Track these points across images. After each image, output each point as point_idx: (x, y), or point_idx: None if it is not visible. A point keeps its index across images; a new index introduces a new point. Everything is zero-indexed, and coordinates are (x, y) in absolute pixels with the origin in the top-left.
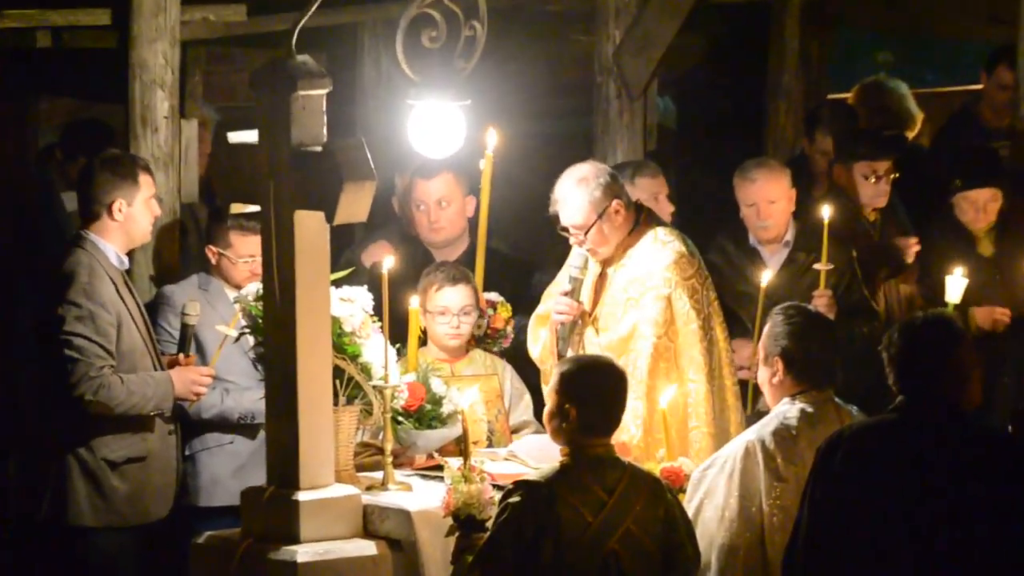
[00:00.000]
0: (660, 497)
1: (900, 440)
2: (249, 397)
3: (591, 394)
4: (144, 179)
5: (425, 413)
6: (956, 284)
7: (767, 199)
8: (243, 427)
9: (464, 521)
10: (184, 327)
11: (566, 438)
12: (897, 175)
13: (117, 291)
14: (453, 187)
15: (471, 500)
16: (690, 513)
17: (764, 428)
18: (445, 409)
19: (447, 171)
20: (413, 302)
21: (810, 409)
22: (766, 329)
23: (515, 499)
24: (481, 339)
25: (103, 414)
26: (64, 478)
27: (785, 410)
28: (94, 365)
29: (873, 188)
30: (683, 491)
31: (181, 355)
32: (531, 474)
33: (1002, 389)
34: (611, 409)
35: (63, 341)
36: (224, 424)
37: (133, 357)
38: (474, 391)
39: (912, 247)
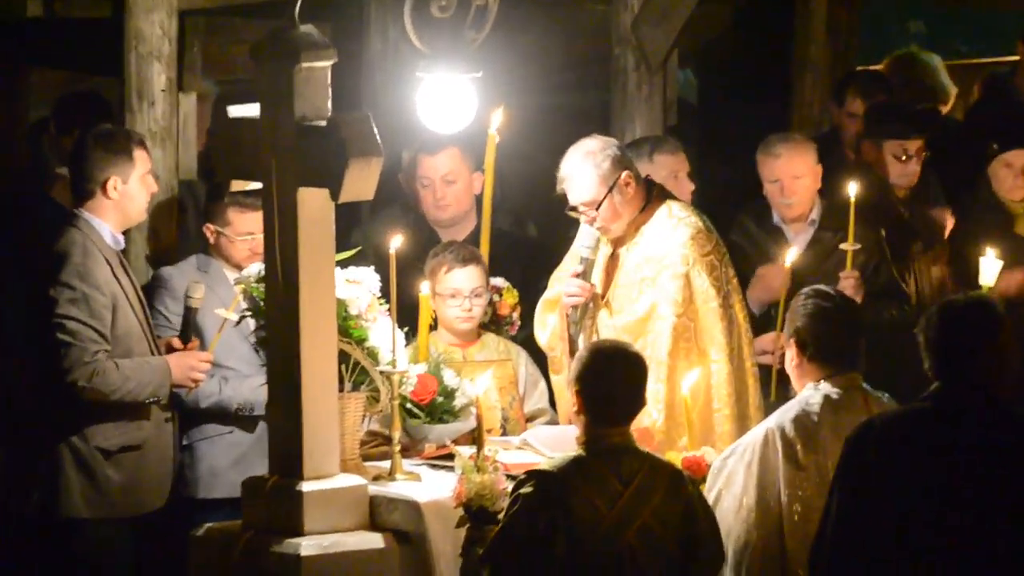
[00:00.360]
0: (680, 490)
1: (934, 429)
2: (248, 386)
3: (605, 382)
4: (139, 155)
5: (437, 406)
6: (990, 266)
7: (792, 175)
8: (241, 419)
9: (476, 512)
10: (187, 311)
11: (581, 427)
12: (928, 154)
13: (112, 272)
14: (459, 163)
15: (483, 491)
16: (710, 502)
17: (785, 415)
18: (458, 402)
19: (452, 146)
20: (424, 288)
21: (834, 395)
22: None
23: (527, 490)
24: (486, 326)
25: (97, 401)
26: (56, 468)
27: (808, 396)
28: (88, 350)
29: (902, 167)
30: (704, 481)
31: (178, 339)
32: (544, 464)
33: None
34: (627, 397)
35: (55, 325)
36: (222, 415)
37: (129, 341)
38: (487, 377)
39: (949, 220)
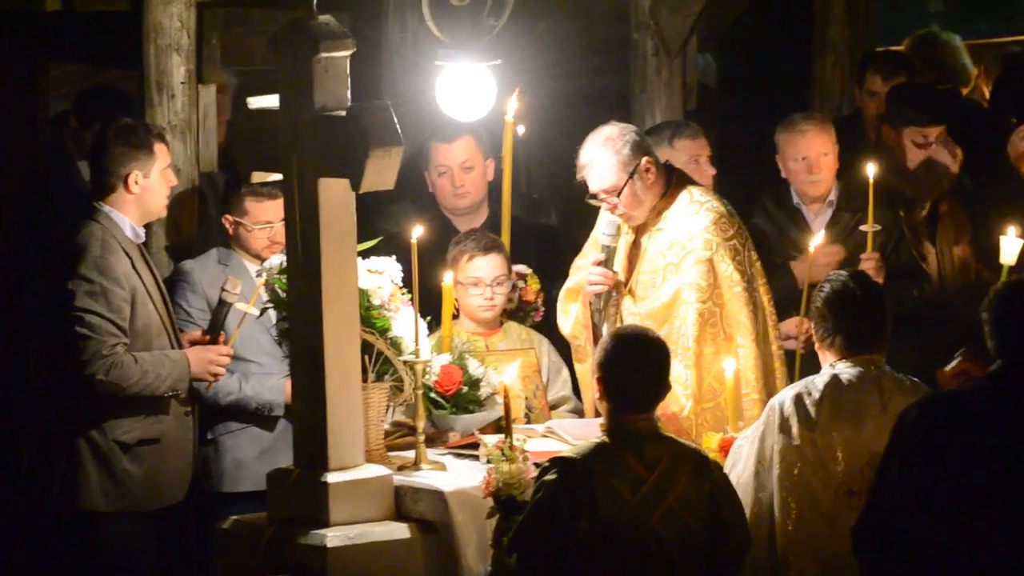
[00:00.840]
0: (706, 474)
1: (997, 405)
2: (268, 386)
3: (627, 368)
4: (159, 148)
5: (462, 396)
6: (1012, 245)
7: (820, 151)
8: (260, 418)
9: (504, 502)
10: (221, 304)
11: (605, 413)
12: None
13: (133, 265)
14: (475, 150)
15: (512, 480)
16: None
17: (788, 391)
18: (483, 392)
19: (468, 134)
20: (447, 278)
21: (845, 375)
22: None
23: (550, 477)
24: (512, 313)
25: (115, 394)
26: (75, 461)
27: (818, 376)
28: (106, 343)
29: (922, 154)
30: None
31: (200, 333)
32: (567, 451)
33: None
34: (649, 383)
35: (74, 318)
36: (241, 412)
37: (148, 334)
38: (515, 367)
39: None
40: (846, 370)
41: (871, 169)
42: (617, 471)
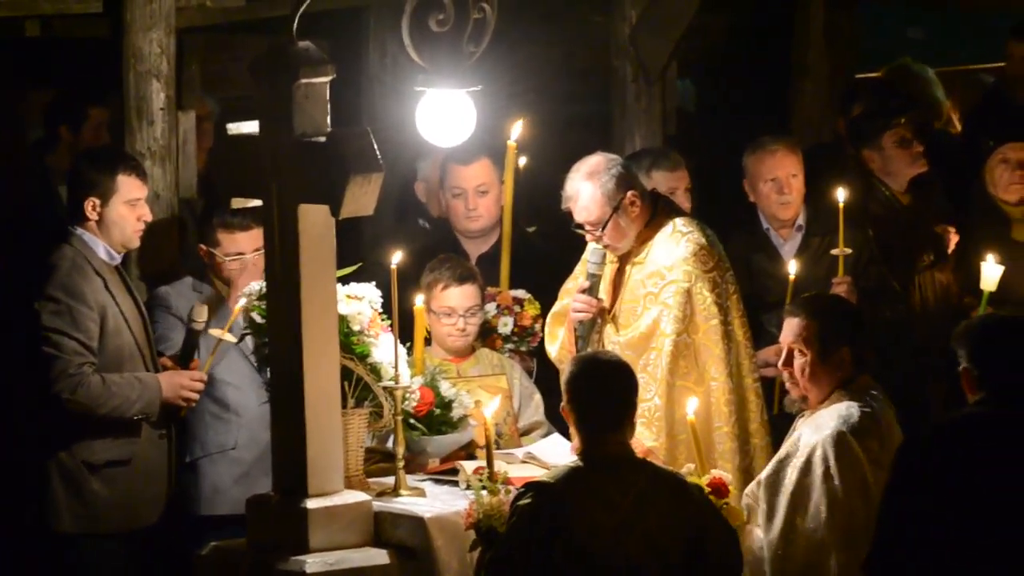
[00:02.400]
0: (685, 498)
1: (996, 433)
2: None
3: (592, 390)
4: (125, 180)
5: (435, 418)
6: (991, 271)
7: (789, 171)
8: (238, 443)
9: (486, 534)
10: (189, 332)
11: (577, 437)
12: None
13: (105, 286)
14: (491, 173)
15: (492, 512)
16: (778, 527)
17: (848, 420)
18: (455, 413)
19: (484, 157)
20: (418, 300)
21: (868, 396)
22: None
23: (524, 501)
24: (508, 338)
25: (83, 414)
26: (44, 482)
27: (849, 402)
28: (72, 362)
29: (911, 155)
30: (726, 499)
31: (170, 359)
32: (542, 475)
33: None
34: (612, 401)
35: (41, 337)
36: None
37: (120, 356)
38: (496, 402)
39: (952, 236)
40: (864, 392)
41: (842, 193)
42: (592, 495)
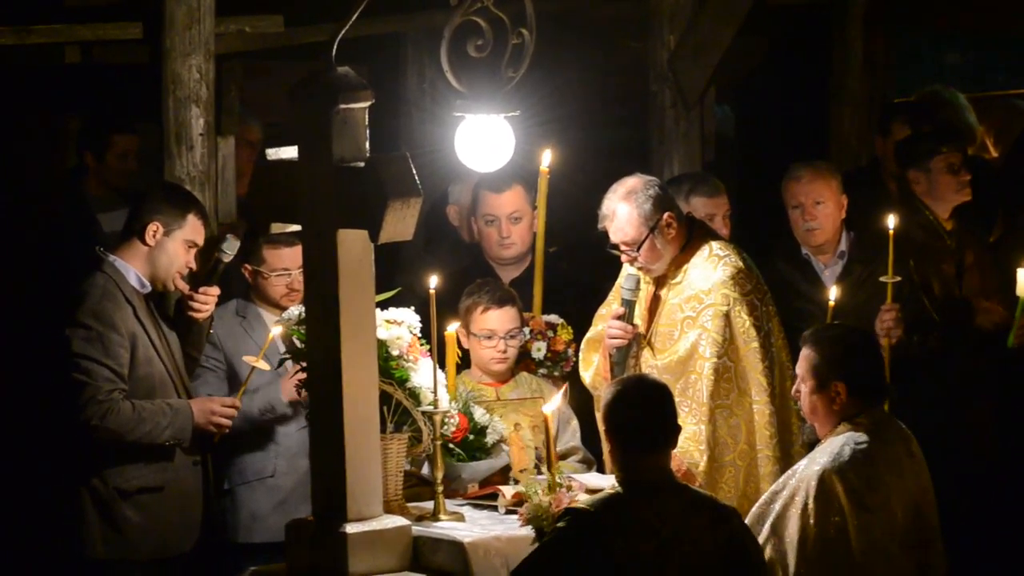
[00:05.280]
0: (723, 525)
1: None
2: (266, 390)
3: (627, 409)
4: (194, 221)
5: (469, 444)
6: None
7: (813, 199)
8: (269, 423)
9: (538, 531)
10: (216, 262)
11: (616, 464)
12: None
13: (135, 314)
14: (523, 201)
15: (542, 513)
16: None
17: (838, 458)
18: (489, 439)
19: (518, 184)
20: (450, 327)
21: (874, 430)
22: None
23: (560, 524)
24: (541, 363)
25: (112, 441)
26: (76, 508)
27: (851, 436)
28: (102, 388)
29: (958, 182)
30: None
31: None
32: (582, 501)
33: None
34: (651, 421)
35: (71, 364)
36: (250, 426)
37: (151, 383)
38: (559, 397)
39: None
40: (870, 424)
41: (891, 220)
42: (631, 523)
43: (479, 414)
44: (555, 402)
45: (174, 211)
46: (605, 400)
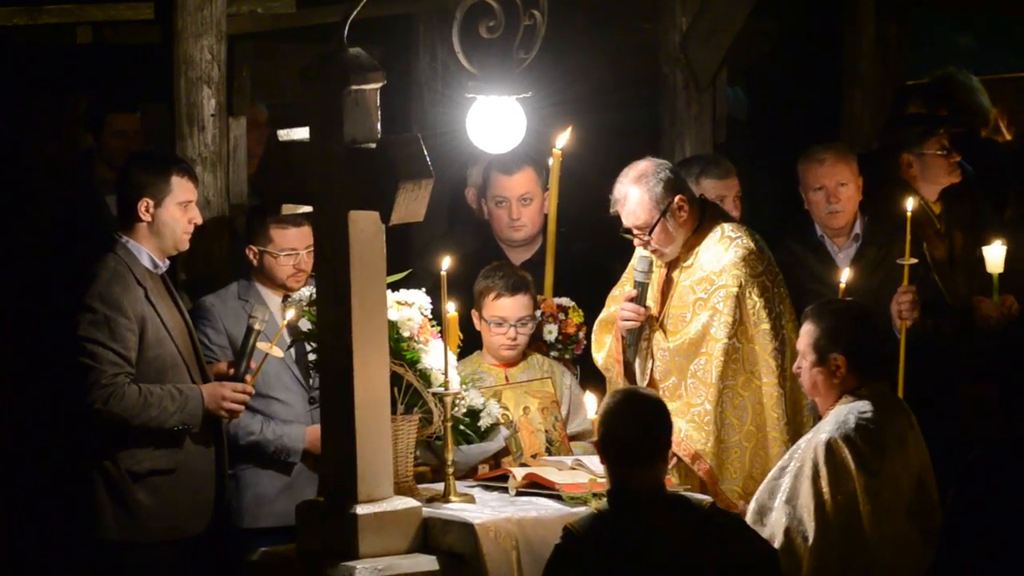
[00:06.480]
0: (720, 534)
1: None
2: (290, 434)
3: (619, 422)
4: (178, 181)
5: (462, 427)
6: (995, 253)
7: (837, 181)
8: (276, 462)
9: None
10: (248, 332)
11: (608, 475)
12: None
13: (147, 296)
14: (534, 183)
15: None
16: (770, 520)
17: (844, 425)
18: (483, 422)
19: (528, 166)
20: (450, 308)
21: (877, 402)
22: None
23: (559, 542)
24: (552, 345)
25: (116, 424)
26: (88, 490)
27: (856, 405)
28: (106, 372)
29: (949, 164)
30: None
31: (224, 365)
32: (572, 521)
33: None
34: (647, 438)
35: (77, 347)
36: (259, 454)
37: (161, 365)
38: (592, 401)
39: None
40: (875, 396)
41: (910, 202)
42: (620, 539)
43: (473, 396)
44: (591, 407)
45: (156, 180)
46: (600, 411)
